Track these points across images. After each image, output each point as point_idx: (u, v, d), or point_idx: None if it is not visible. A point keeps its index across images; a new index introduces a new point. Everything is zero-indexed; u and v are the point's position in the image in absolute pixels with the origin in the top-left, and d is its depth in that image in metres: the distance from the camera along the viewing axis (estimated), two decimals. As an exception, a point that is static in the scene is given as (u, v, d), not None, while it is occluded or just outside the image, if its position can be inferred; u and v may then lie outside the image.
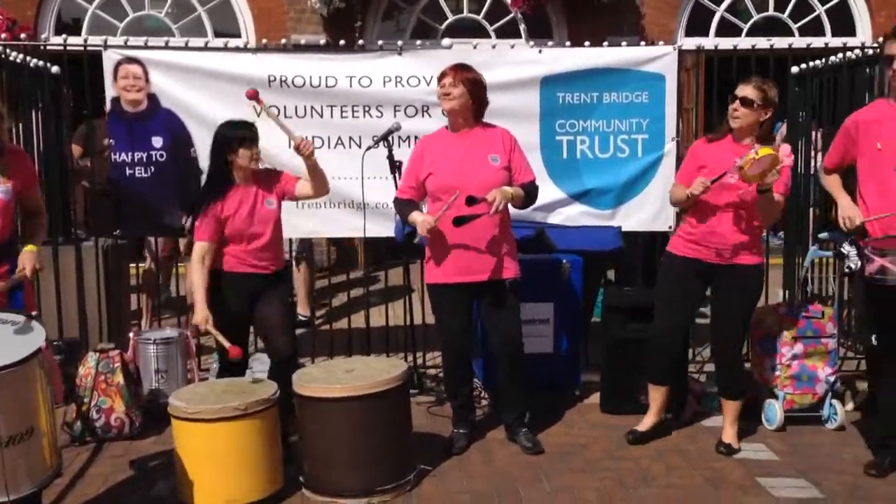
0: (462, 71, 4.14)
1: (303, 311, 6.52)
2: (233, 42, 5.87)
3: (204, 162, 4.49)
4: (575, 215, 5.17)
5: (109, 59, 5.04)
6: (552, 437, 4.46)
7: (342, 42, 5.64)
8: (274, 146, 4.48)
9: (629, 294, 4.99)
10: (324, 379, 3.83)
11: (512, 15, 9.32)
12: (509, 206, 4.13)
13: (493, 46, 5.45)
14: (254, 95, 4.16)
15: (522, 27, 9.38)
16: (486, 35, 9.33)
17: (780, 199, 4.04)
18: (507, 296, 4.22)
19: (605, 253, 5.14)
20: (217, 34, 9.19)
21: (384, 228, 5.17)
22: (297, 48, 5.30)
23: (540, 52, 5.21)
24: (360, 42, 5.89)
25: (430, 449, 4.23)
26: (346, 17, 8.87)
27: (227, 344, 4.01)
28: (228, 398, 3.70)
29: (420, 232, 4.11)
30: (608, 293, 5.11)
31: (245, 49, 5.30)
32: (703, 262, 4.17)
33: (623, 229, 5.17)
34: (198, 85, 5.06)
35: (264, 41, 5.28)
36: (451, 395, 4.47)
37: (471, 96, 4.12)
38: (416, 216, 4.15)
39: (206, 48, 5.31)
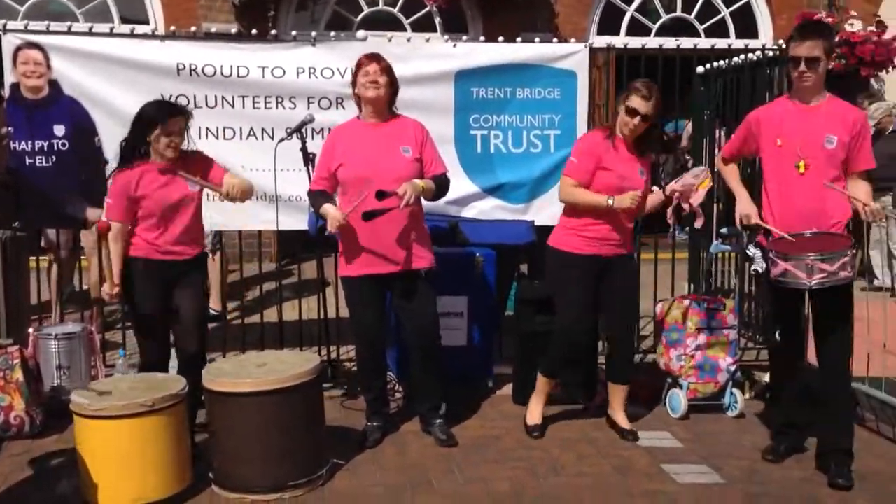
0: (382, 60, 4.17)
1: (214, 305, 6.39)
2: (140, 29, 5.68)
3: (109, 152, 4.36)
4: (488, 209, 5.21)
5: (8, 43, 4.84)
6: (466, 430, 4.50)
7: (255, 32, 5.53)
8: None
9: (541, 287, 5.06)
10: (235, 373, 3.77)
11: (427, 9, 9.30)
12: (421, 198, 4.15)
13: (409, 40, 5.41)
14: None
15: (438, 21, 9.38)
16: (401, 28, 9.31)
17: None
18: (420, 286, 4.23)
19: (518, 247, 5.19)
20: (124, 20, 8.89)
21: (298, 221, 5.11)
22: (208, 36, 5.18)
23: (454, 46, 5.23)
24: (274, 32, 5.79)
25: (344, 443, 4.22)
26: (258, 6, 8.72)
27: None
28: (134, 394, 3.61)
29: (330, 227, 4.09)
30: (521, 286, 5.17)
31: (153, 36, 5.14)
32: (602, 257, 4.28)
33: (536, 223, 5.22)
34: (103, 72, 4.90)
35: (173, 28, 5.13)
36: (364, 387, 4.46)
37: (390, 87, 4.16)
38: (327, 209, 4.11)
39: (111, 34, 5.10)
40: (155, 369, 4.05)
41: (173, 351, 4.31)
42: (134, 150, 4.04)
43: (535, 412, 4.50)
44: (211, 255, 6.27)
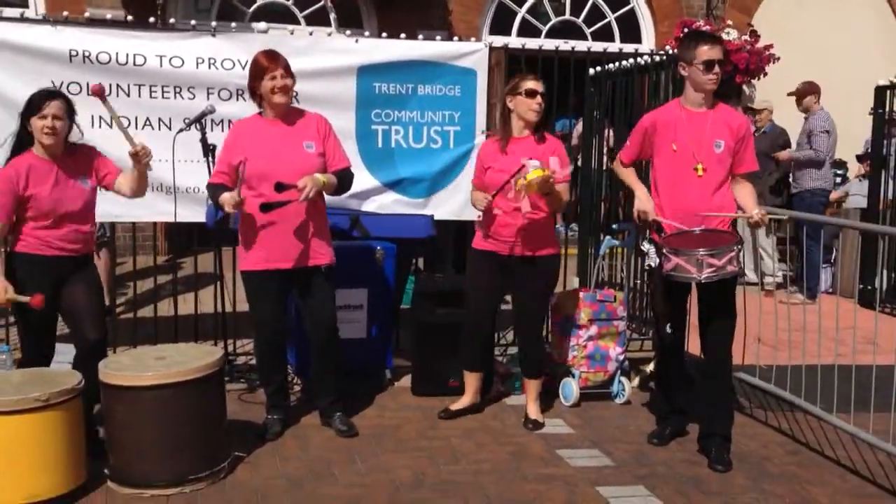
0: (283, 59, 4.16)
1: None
2: (17, 13, 5.48)
3: (-1, 138, 4.19)
4: (389, 203, 5.27)
5: None
6: (366, 420, 4.57)
7: (152, 19, 5.40)
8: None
9: (439, 281, 5.17)
10: (134, 367, 3.71)
11: (322, 3, 9.30)
12: (323, 192, 4.18)
13: (311, 33, 5.42)
14: (98, 91, 3.93)
15: (333, 16, 9.38)
16: (295, 21, 9.25)
17: (563, 192, 4.41)
18: (320, 281, 4.26)
19: (417, 240, 5.28)
20: (2, 3, 8.49)
21: (195, 213, 5.03)
22: (103, 23, 5.02)
23: (357, 41, 5.25)
24: (172, 21, 5.67)
25: (244, 436, 4.21)
26: (146, -7, 8.48)
27: (26, 299, 3.78)
28: (28, 389, 3.50)
29: (227, 209, 4.02)
30: (419, 280, 5.27)
31: (44, 20, 4.91)
32: (499, 254, 4.43)
33: (435, 217, 5.32)
34: (-11, 56, 4.70)
35: (66, 13, 4.96)
36: (264, 381, 4.46)
37: (293, 86, 4.18)
38: (224, 196, 4.04)
39: (-1, 17, 4.91)
40: (36, 366, 3.93)
41: (59, 346, 4.19)
42: (20, 141, 3.92)
43: (462, 400, 4.70)
44: (95, 251, 6.10)
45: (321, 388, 4.47)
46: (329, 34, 5.32)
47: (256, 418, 4.43)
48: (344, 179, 4.29)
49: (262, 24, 5.37)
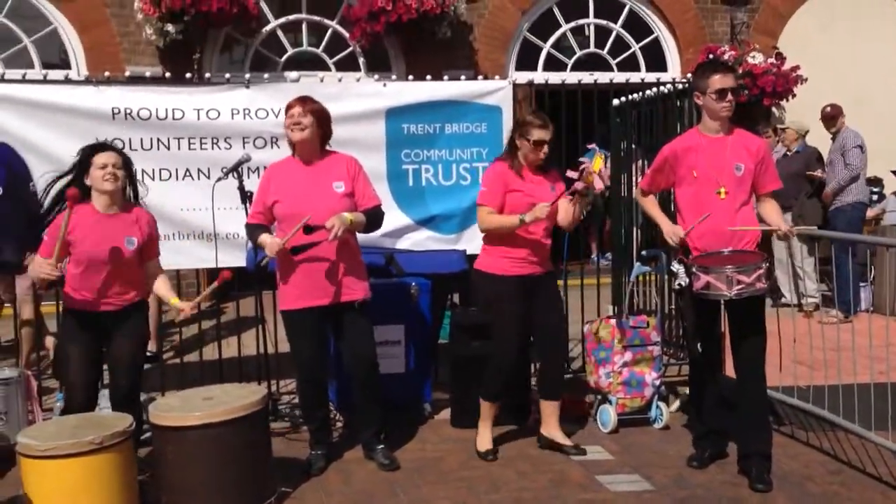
0: (309, 102, 4.33)
1: (149, 346, 6.38)
2: (60, 74, 5.73)
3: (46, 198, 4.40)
4: (422, 240, 5.40)
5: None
6: (407, 454, 4.65)
7: (188, 75, 5.64)
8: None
9: (474, 314, 5.25)
10: (181, 407, 3.85)
11: (351, 48, 9.55)
12: (356, 232, 4.33)
13: (340, 79, 5.61)
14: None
15: (361, 60, 9.63)
16: (325, 68, 9.51)
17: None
18: (355, 317, 4.39)
19: (451, 275, 5.39)
20: (45, 65, 8.89)
21: (235, 258, 5.21)
22: (142, 80, 5.27)
23: (384, 85, 5.44)
24: (207, 75, 5.91)
25: (290, 472, 4.31)
26: (182, 49, 8.79)
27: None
28: (82, 433, 3.64)
29: (269, 253, 4.20)
30: (455, 313, 5.36)
31: (87, 81, 5.18)
32: (530, 276, 4.50)
33: (467, 252, 5.42)
34: (37, 118, 4.94)
35: (107, 74, 5.21)
36: (307, 418, 4.57)
37: (318, 127, 4.32)
38: (265, 238, 4.26)
39: (45, 80, 5.17)
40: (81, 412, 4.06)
41: (105, 392, 4.35)
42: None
43: (485, 437, 4.66)
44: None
45: (363, 422, 4.58)
46: (358, 79, 5.52)
47: (301, 455, 4.54)
48: (373, 217, 4.42)
49: (294, 74, 5.60)
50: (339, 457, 4.58)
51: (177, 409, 3.84)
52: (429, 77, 5.61)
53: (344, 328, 4.41)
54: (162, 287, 4.30)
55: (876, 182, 9.01)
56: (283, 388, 5.59)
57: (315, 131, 4.32)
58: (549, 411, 4.68)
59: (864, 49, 10.40)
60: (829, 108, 7.75)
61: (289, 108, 4.33)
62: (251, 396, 3.93)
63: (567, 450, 4.60)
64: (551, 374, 4.67)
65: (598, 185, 4.40)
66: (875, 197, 8.96)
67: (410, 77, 5.80)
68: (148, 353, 6.16)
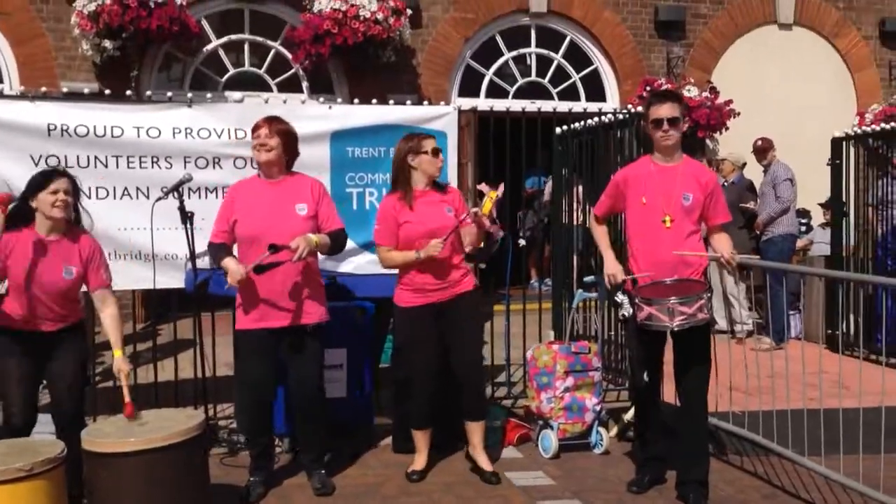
0: (276, 122, 4.32)
1: (82, 368, 6.20)
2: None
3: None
4: (364, 264, 5.36)
5: None
6: (348, 479, 4.60)
7: (128, 92, 5.54)
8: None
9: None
10: (115, 434, 3.74)
11: (294, 70, 9.51)
12: (318, 253, 4.31)
13: (285, 101, 5.57)
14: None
15: (305, 83, 9.59)
16: (267, 88, 9.44)
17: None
18: (307, 340, 4.34)
19: (392, 299, 5.34)
20: (-24, 84, 8.64)
21: (174, 279, 5.12)
22: (80, 97, 5.16)
23: (330, 107, 5.42)
24: (149, 93, 5.81)
25: (227, 499, 4.23)
26: (120, 65, 8.63)
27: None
28: (10, 459, 3.50)
29: (230, 281, 4.17)
30: (396, 337, 5.32)
31: (23, 96, 5.05)
32: (436, 303, 4.50)
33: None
34: (-32, 132, 4.79)
35: (43, 89, 5.09)
36: (250, 442, 4.49)
37: (284, 148, 4.31)
38: (228, 263, 4.21)
39: (-23, 94, 5.03)
40: (16, 436, 3.93)
41: (41, 416, 4.21)
42: (18, 213, 4.00)
43: (419, 460, 4.65)
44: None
45: (305, 446, 4.52)
46: (303, 101, 5.48)
47: (238, 481, 4.45)
48: (337, 240, 4.42)
49: (238, 94, 5.54)
50: (278, 483, 4.50)
51: (111, 434, 3.73)
52: (374, 101, 5.61)
53: (292, 350, 4.36)
54: (111, 330, 4.12)
55: (804, 214, 9.31)
56: (220, 412, 5.48)
57: (281, 153, 4.32)
58: (471, 431, 4.65)
59: (795, 86, 10.78)
60: (760, 142, 8.01)
61: (256, 127, 4.31)
62: (189, 421, 3.84)
63: (486, 476, 4.57)
64: (467, 394, 4.61)
65: (485, 225, 4.46)
66: (804, 228, 9.26)
67: (356, 100, 5.79)
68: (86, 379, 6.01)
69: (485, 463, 4.62)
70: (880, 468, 3.91)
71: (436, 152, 4.51)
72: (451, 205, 4.51)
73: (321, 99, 5.77)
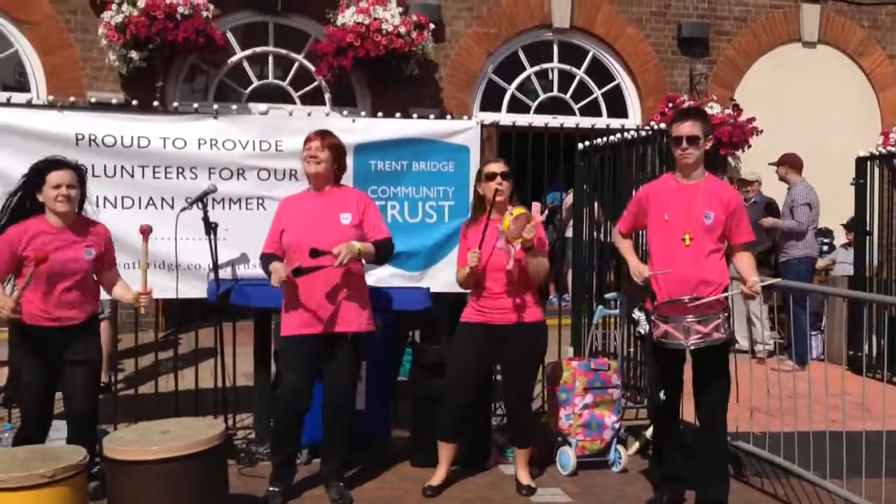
0: (328, 136, 4.41)
1: (102, 375, 6.23)
2: (21, 97, 5.66)
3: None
4: (386, 277, 5.37)
5: None
6: (365, 492, 4.60)
7: (155, 103, 5.60)
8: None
9: (435, 352, 5.25)
10: (137, 441, 3.76)
11: (317, 83, 9.58)
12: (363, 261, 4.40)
13: (309, 114, 5.61)
14: (145, 231, 4.24)
15: (327, 95, 9.65)
16: (290, 100, 9.51)
17: (544, 259, 4.51)
18: (345, 348, 4.38)
19: (414, 313, 5.36)
20: (5, 88, 8.74)
21: (197, 289, 5.13)
22: (108, 107, 5.22)
23: (354, 121, 5.43)
24: (175, 104, 5.86)
25: (245, 510, 4.24)
26: (145, 76, 8.74)
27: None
28: (33, 465, 3.52)
29: (273, 282, 4.23)
30: (416, 351, 5.34)
31: (52, 106, 5.10)
32: (491, 325, 4.53)
33: (431, 290, 5.40)
34: (-2, 142, 4.85)
35: (71, 99, 5.15)
36: (275, 451, 4.49)
37: (334, 161, 4.40)
38: (274, 265, 4.28)
39: (8, 104, 5.07)
40: (30, 442, 3.98)
41: (56, 423, 4.25)
42: (23, 204, 4.07)
43: (437, 475, 4.65)
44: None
45: (327, 456, 4.54)
46: (326, 114, 5.52)
47: (257, 492, 4.46)
48: (383, 249, 4.47)
49: (263, 106, 5.58)
50: (296, 495, 4.50)
51: (133, 442, 3.75)
52: (398, 114, 5.63)
53: (329, 358, 4.40)
54: (120, 289, 4.36)
55: (827, 233, 9.23)
56: (239, 422, 5.50)
57: (330, 165, 4.42)
58: (516, 456, 4.74)
59: (819, 104, 10.72)
60: (783, 157, 7.96)
61: (307, 140, 4.42)
62: (209, 431, 3.86)
63: (519, 486, 4.64)
64: (513, 424, 4.74)
65: (502, 242, 4.39)
66: (826, 248, 9.18)
67: (380, 114, 5.82)
68: (100, 384, 6.06)
69: (524, 477, 4.68)
70: (903, 492, 3.86)
71: (491, 176, 4.50)
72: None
73: (345, 112, 5.78)
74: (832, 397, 4.69)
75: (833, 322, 7.84)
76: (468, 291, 4.72)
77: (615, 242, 4.78)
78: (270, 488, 4.40)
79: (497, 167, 4.54)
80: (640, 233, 5.35)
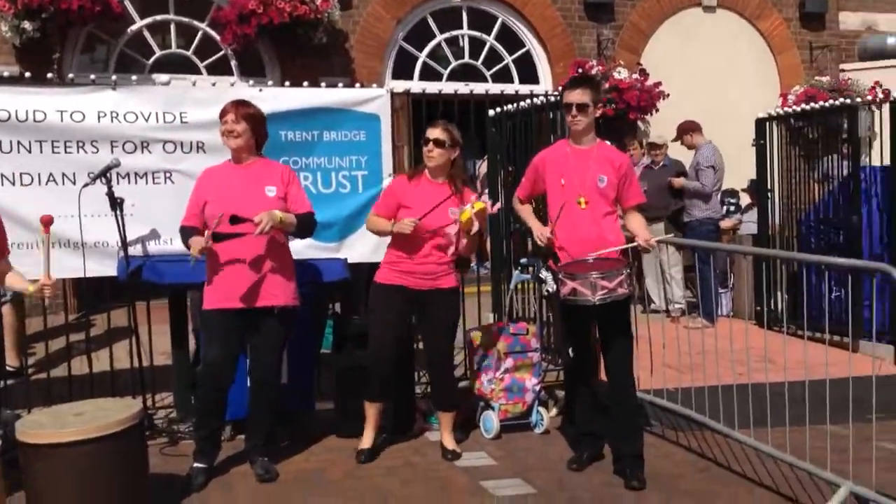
0: (242, 107, 4.30)
1: (11, 360, 6.01)
2: None
3: None
4: (302, 248, 5.27)
5: None
6: (291, 465, 4.58)
7: (49, 75, 5.35)
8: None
9: (356, 323, 5.24)
10: (52, 424, 3.64)
11: (223, 52, 9.32)
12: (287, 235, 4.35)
13: (213, 84, 5.45)
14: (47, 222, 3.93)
15: (234, 64, 9.41)
16: (196, 71, 9.24)
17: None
18: (272, 323, 4.32)
19: (333, 284, 5.33)
20: None
21: (106, 268, 4.97)
22: (1, 80, 4.96)
23: (260, 90, 5.30)
24: (71, 76, 5.61)
25: (168, 489, 4.17)
26: (41, 47, 8.35)
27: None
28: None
29: (193, 253, 4.10)
30: (337, 323, 5.31)
31: (-61, 80, 4.85)
32: (410, 289, 4.55)
33: (349, 260, 5.37)
34: None
35: (-38, 72, 4.89)
36: (199, 426, 4.42)
37: (252, 132, 4.30)
38: (194, 238, 4.16)
39: None
40: None
41: None
42: None
43: (366, 438, 4.68)
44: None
45: (251, 431, 4.49)
46: (232, 84, 5.37)
47: (179, 470, 4.39)
48: (305, 223, 4.40)
49: (164, 77, 5.40)
50: (221, 471, 4.45)
51: (47, 425, 3.63)
52: (306, 83, 5.53)
53: (255, 332, 4.34)
54: (13, 278, 3.97)
55: (732, 194, 9.52)
56: (159, 401, 5.38)
57: (249, 137, 4.32)
58: (441, 420, 4.79)
59: (721, 68, 11.01)
60: (680, 125, 8.17)
61: (223, 113, 4.29)
62: (126, 411, 3.77)
63: (445, 453, 4.68)
64: (440, 386, 4.77)
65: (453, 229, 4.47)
66: (732, 208, 9.47)
67: (287, 83, 5.71)
68: (10, 368, 5.86)
69: (448, 442, 4.72)
70: (806, 440, 4.05)
71: (426, 141, 4.53)
72: (447, 199, 4.48)
73: (251, 82, 5.65)
74: (738, 352, 4.88)
75: (740, 280, 8.13)
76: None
77: (514, 208, 4.86)
78: (194, 464, 4.33)
79: (431, 133, 4.55)
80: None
